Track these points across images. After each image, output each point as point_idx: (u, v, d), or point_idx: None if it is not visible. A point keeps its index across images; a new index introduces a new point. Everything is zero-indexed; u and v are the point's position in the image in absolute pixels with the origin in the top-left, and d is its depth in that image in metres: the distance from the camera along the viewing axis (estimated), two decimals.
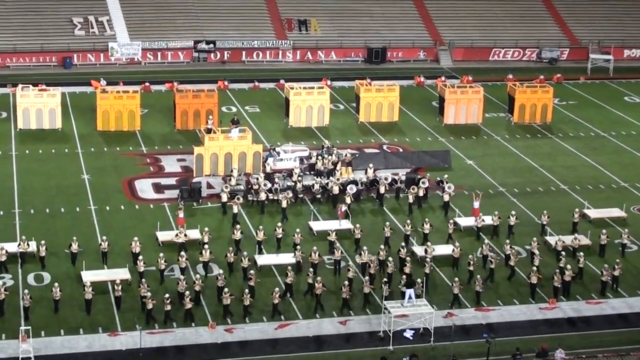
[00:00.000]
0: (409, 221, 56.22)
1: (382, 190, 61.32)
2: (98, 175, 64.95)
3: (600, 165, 70.11)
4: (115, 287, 47.85)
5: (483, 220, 57.09)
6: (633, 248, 56.36)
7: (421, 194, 61.11)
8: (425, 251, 52.59)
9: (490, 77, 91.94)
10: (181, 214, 56.09)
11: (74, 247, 51.65)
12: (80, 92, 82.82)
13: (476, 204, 58.72)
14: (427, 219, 56.50)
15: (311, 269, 50.44)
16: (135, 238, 52.35)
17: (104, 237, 52.65)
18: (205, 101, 74.18)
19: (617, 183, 66.91)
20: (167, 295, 46.86)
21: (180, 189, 61.35)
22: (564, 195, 64.21)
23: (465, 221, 58.11)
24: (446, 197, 60.53)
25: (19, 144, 70.32)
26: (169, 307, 46.59)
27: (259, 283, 49.29)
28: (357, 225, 55.42)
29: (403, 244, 53.80)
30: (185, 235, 53.95)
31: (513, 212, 57.76)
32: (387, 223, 55.87)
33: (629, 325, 48.57)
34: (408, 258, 51.38)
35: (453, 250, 53.04)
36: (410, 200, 60.15)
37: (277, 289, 48.09)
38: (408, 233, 55.32)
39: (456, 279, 49.80)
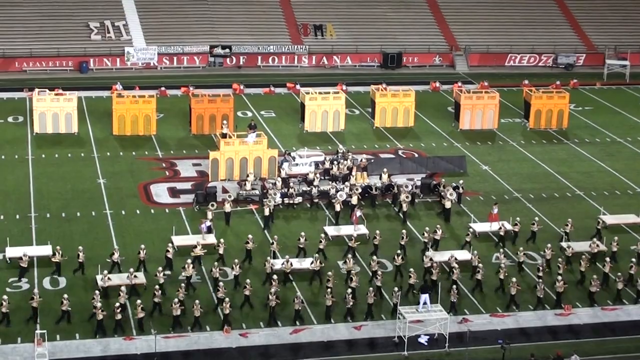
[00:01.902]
0: (378, 231, 55.07)
1: (402, 198, 60.48)
2: (114, 179, 65.13)
3: (616, 171, 69.87)
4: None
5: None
6: None
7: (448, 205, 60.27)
8: (431, 260, 52.42)
9: (506, 83, 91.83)
10: (208, 222, 55.73)
11: (116, 256, 50.98)
12: (97, 96, 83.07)
13: (495, 210, 58.58)
14: (427, 228, 56.04)
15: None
16: (170, 244, 52.49)
17: (142, 246, 51.64)
18: (220, 106, 74.30)
19: (633, 189, 66.67)
20: (197, 301, 46.70)
21: (196, 194, 61.48)
22: (579, 201, 64.04)
23: (481, 227, 58.00)
24: (447, 204, 59.99)
25: (35, 148, 70.59)
26: (199, 313, 46.40)
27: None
28: (354, 235, 55.50)
29: (399, 251, 53.04)
30: (204, 247, 53.20)
31: (518, 219, 57.49)
32: (377, 231, 55.28)
33: None
34: (412, 268, 51.01)
35: (472, 257, 52.72)
36: (405, 208, 59.60)
37: (227, 298, 47.05)
38: (376, 243, 54.22)
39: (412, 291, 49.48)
